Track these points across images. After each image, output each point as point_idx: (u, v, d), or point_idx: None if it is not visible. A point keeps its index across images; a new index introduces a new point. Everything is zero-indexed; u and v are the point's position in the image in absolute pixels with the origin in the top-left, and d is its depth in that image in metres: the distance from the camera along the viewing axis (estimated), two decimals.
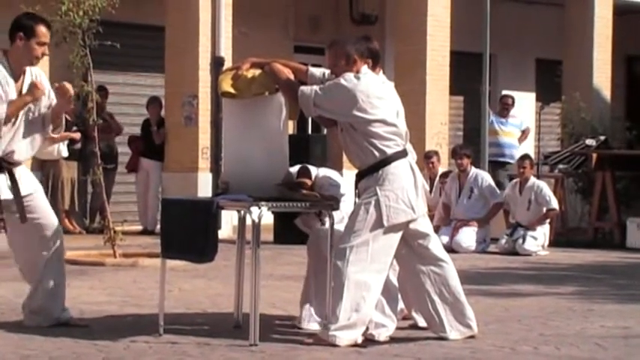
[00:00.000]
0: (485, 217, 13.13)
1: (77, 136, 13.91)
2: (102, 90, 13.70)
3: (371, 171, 6.56)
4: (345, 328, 6.41)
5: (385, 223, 6.47)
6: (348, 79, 6.51)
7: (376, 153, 6.52)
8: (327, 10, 17.69)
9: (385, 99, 6.57)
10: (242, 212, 6.87)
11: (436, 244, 6.77)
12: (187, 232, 6.49)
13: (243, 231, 7.10)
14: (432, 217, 12.40)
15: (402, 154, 6.60)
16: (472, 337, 6.75)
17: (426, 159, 13.84)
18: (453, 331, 6.71)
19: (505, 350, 6.49)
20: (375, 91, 6.52)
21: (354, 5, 17.69)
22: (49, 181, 14.06)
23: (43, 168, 14.03)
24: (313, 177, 6.97)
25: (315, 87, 6.58)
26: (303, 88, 6.60)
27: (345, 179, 7.22)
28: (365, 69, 6.62)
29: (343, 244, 6.49)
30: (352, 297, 6.40)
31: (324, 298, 6.76)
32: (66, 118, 14.72)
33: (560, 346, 6.61)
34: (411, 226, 6.63)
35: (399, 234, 6.58)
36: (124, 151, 14.80)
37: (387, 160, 6.52)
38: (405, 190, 6.53)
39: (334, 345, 6.36)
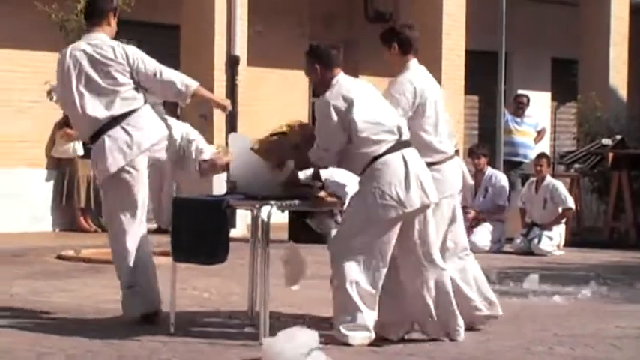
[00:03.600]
0: (488, 213, 13.01)
1: None
2: None
3: (362, 172, 6.53)
4: (354, 327, 6.38)
5: (372, 220, 6.38)
6: (320, 109, 6.52)
7: (366, 158, 6.47)
8: (341, 8, 17.66)
9: (355, 104, 6.45)
10: (255, 211, 6.88)
11: (434, 248, 6.69)
12: (198, 232, 6.49)
13: (255, 230, 7.10)
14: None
15: (392, 149, 6.48)
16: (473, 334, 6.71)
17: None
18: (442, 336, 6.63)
19: (519, 350, 6.48)
20: (342, 103, 6.44)
21: (369, 3, 17.65)
22: (65, 179, 14.08)
23: (59, 166, 14.05)
24: (324, 179, 6.95)
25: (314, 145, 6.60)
26: (309, 152, 6.63)
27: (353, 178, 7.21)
28: (335, 80, 6.57)
29: (337, 244, 6.47)
30: (354, 296, 6.37)
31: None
32: None
33: (575, 347, 6.59)
34: (411, 227, 6.55)
35: (394, 230, 6.45)
36: None
37: (374, 159, 6.47)
38: (393, 185, 6.40)
39: (347, 344, 6.35)
